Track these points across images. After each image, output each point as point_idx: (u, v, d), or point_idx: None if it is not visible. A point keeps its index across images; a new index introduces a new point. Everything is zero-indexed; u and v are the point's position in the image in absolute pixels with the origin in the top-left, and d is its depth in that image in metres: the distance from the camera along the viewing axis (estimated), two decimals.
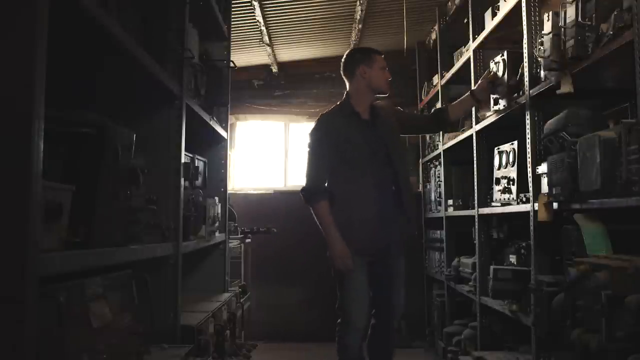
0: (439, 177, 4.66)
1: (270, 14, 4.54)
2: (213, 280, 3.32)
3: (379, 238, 2.80)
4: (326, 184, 2.85)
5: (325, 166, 2.84)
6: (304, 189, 2.84)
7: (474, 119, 3.72)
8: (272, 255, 5.46)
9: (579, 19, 2.14)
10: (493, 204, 3.32)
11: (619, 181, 1.87)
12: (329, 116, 2.94)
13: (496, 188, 3.24)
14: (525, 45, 2.80)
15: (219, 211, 3.15)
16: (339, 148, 2.82)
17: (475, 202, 3.62)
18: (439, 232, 4.58)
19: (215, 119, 3.10)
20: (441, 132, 4.57)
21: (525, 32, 2.81)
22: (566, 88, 2.30)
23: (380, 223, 2.78)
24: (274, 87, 5.99)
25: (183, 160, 2.32)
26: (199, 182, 2.82)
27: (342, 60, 3.05)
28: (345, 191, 2.81)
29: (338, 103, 3.04)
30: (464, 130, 4.00)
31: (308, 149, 2.91)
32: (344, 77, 3.04)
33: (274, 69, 5.85)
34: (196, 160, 2.76)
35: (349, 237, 2.77)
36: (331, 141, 2.84)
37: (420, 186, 5.51)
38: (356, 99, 2.95)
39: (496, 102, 3.16)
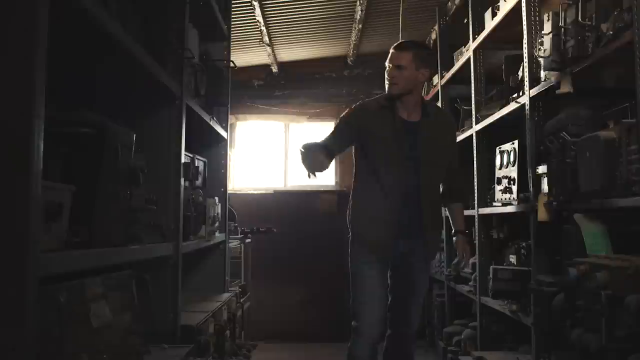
0: None
1: (270, 14, 4.54)
2: (213, 280, 3.32)
3: (392, 244, 2.56)
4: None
5: (337, 142, 2.63)
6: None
7: (474, 119, 3.73)
8: (272, 255, 5.46)
9: (579, 19, 2.15)
10: (494, 203, 3.32)
11: (619, 181, 1.87)
12: (364, 103, 2.73)
13: (497, 188, 3.24)
14: (525, 45, 2.80)
15: (219, 211, 3.15)
16: (360, 138, 2.63)
17: (476, 202, 3.62)
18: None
19: (215, 119, 3.10)
20: None
21: (525, 32, 2.81)
22: (566, 88, 2.30)
23: (395, 229, 2.55)
24: (274, 87, 5.99)
25: (183, 160, 2.32)
26: (199, 182, 2.82)
27: None
28: (362, 186, 2.65)
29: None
30: (464, 130, 4.00)
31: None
32: None
33: (274, 69, 5.85)
34: (196, 160, 2.76)
35: (361, 233, 2.62)
36: (352, 128, 2.63)
37: None
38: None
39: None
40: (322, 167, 2.47)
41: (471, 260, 3.83)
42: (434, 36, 5.18)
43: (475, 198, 3.62)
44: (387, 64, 2.62)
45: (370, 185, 2.61)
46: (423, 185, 2.56)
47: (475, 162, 3.67)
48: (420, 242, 2.60)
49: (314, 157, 2.46)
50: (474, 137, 3.68)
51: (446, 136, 2.70)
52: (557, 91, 2.36)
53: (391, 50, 2.64)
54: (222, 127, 3.30)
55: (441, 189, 2.78)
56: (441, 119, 2.71)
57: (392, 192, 2.54)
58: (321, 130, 6.04)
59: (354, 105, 2.73)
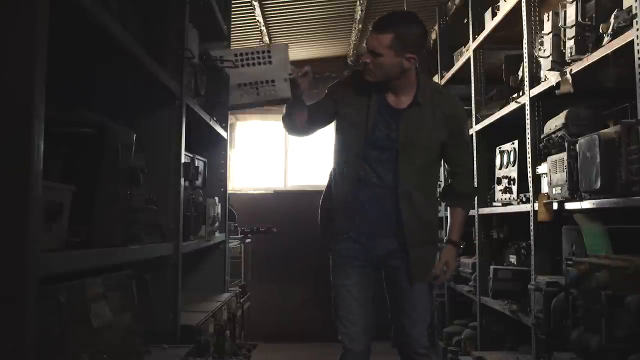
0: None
1: (270, 14, 4.55)
2: (213, 280, 3.32)
3: (362, 245, 2.26)
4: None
5: (314, 108, 2.35)
6: None
7: (474, 119, 3.73)
8: (272, 255, 5.46)
9: (579, 19, 2.15)
10: (494, 203, 3.32)
11: (619, 181, 1.87)
12: (349, 77, 2.39)
13: (497, 188, 3.25)
14: (525, 45, 2.81)
15: (219, 211, 3.14)
16: (335, 117, 2.32)
17: (475, 202, 3.62)
18: (439, 232, 4.58)
19: (215, 119, 3.10)
20: None
21: (525, 32, 2.81)
22: (566, 88, 2.30)
23: (367, 230, 2.25)
24: None
25: (183, 160, 2.32)
26: (199, 182, 2.82)
27: None
28: (332, 176, 2.36)
29: None
30: None
31: None
32: None
33: None
34: (196, 160, 2.76)
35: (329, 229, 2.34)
36: (330, 102, 2.31)
37: None
38: None
39: None
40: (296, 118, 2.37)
41: (471, 261, 3.84)
42: (434, 36, 5.18)
43: (475, 198, 3.62)
44: (364, 44, 2.21)
45: (337, 175, 2.30)
46: (401, 180, 2.18)
47: (475, 162, 3.67)
48: (398, 245, 2.23)
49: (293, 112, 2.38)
50: (474, 137, 3.68)
51: (440, 128, 2.21)
52: (557, 91, 2.37)
53: (369, 29, 2.16)
54: (222, 127, 3.30)
55: (441, 187, 2.47)
56: (439, 108, 2.21)
57: (360, 184, 2.22)
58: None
59: (343, 77, 2.44)
